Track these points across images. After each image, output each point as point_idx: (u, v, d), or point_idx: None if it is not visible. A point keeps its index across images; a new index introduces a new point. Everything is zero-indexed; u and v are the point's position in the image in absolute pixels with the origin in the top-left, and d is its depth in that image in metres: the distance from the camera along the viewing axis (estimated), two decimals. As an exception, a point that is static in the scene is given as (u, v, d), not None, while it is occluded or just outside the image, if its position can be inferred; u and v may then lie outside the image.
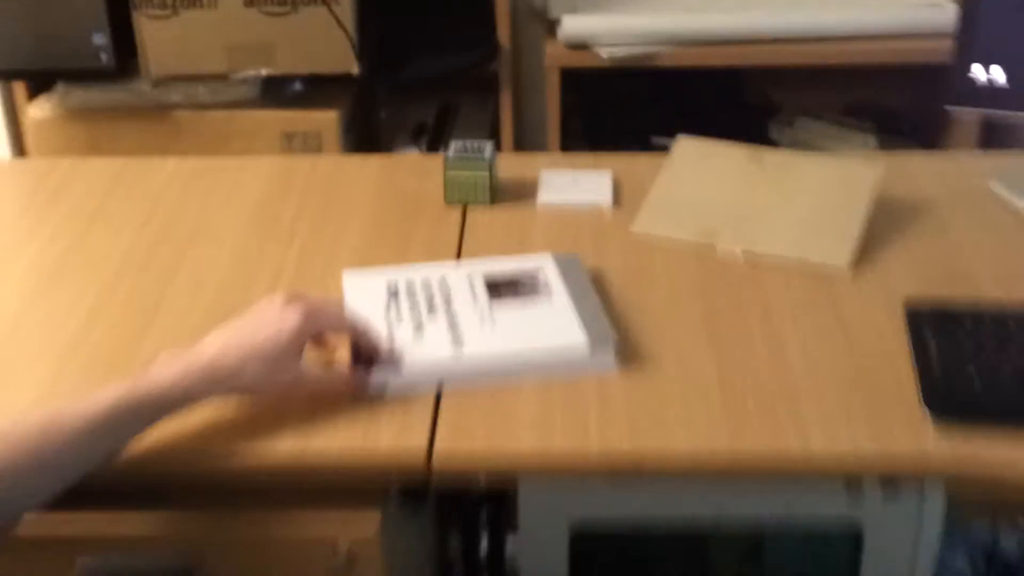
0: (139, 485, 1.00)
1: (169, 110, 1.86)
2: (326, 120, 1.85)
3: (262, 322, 1.00)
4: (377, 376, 1.05)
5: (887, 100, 2.10)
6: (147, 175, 1.45)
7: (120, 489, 0.99)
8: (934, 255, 1.25)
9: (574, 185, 1.38)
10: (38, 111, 1.88)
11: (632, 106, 2.10)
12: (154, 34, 1.81)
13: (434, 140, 2.03)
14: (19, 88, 1.89)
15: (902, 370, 1.07)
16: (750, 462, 0.98)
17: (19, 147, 1.90)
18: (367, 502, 1.01)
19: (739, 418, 1.01)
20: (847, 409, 1.02)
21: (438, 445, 0.99)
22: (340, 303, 1.09)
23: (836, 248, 1.24)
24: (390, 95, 2.04)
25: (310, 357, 1.04)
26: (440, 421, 1.02)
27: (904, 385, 1.05)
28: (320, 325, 1.04)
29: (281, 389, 1.00)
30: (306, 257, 1.27)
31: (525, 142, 2.15)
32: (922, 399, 1.02)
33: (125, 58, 1.83)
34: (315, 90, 1.88)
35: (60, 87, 1.85)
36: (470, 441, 1.00)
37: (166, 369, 0.95)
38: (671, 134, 2.10)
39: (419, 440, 0.99)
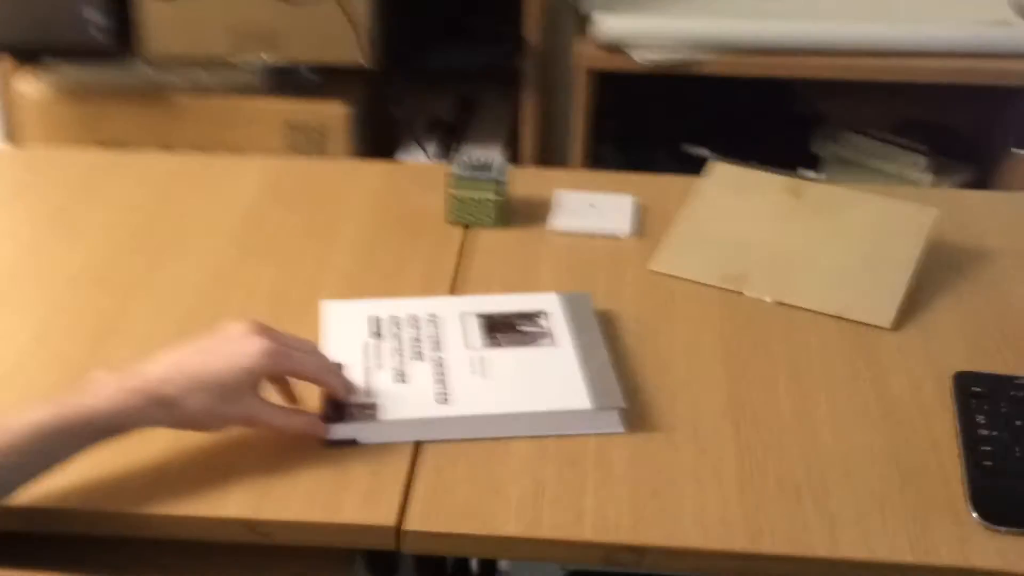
0: (52, 539, 0.88)
1: (168, 93, 1.73)
2: (334, 113, 1.72)
3: (217, 351, 0.88)
4: (345, 430, 0.92)
5: (942, 119, 1.94)
6: (122, 172, 1.32)
7: (29, 545, 0.87)
8: (989, 315, 1.11)
9: (591, 209, 1.24)
10: (30, 89, 1.75)
11: (666, 110, 1.95)
12: (154, 11, 1.68)
13: (450, 137, 1.90)
14: (5, 65, 1.77)
15: (948, 458, 0.93)
16: (767, 569, 0.85)
17: (8, 128, 1.78)
18: (328, 567, 0.89)
19: (758, 511, 0.88)
20: (883, 507, 0.88)
21: (409, 522, 0.86)
22: (312, 347, 0.95)
23: (879, 305, 1.10)
24: (406, 88, 1.91)
25: (271, 395, 0.92)
26: (414, 489, 0.89)
27: (950, 478, 0.91)
28: (283, 367, 0.92)
29: (231, 423, 0.89)
30: (286, 278, 1.14)
31: (548, 144, 2.01)
32: (969, 499, 0.89)
33: (124, 37, 1.71)
34: (325, 80, 1.74)
35: (51, 64, 1.73)
36: (446, 519, 0.87)
37: (100, 390, 0.84)
38: (706, 142, 1.98)
39: (387, 514, 0.87)
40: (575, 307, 1.06)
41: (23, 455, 0.81)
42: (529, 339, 1.02)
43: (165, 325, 1.07)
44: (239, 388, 0.87)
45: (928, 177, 1.81)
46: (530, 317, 1.05)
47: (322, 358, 0.95)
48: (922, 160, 1.82)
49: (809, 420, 0.97)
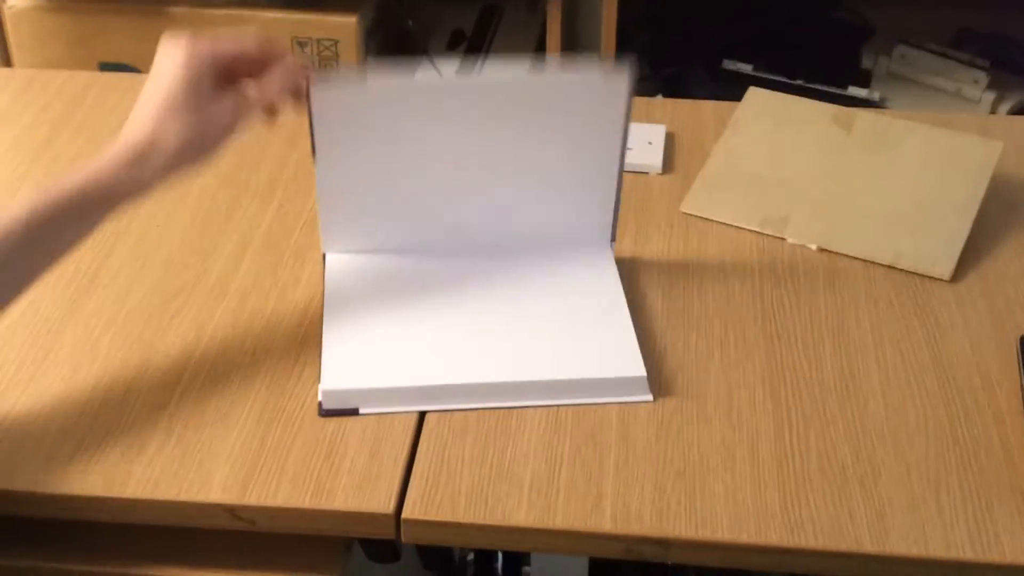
0: (15, 523, 0.80)
1: (166, 4, 1.62)
2: (345, 25, 1.60)
3: (153, 80, 0.79)
4: (344, 396, 0.84)
5: (1005, 29, 1.79)
6: (116, 96, 1.22)
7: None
8: (1059, 264, 1.00)
9: (618, 142, 1.13)
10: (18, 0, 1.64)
11: (702, 22, 1.82)
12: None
13: (472, 49, 1.77)
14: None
15: (1013, 435, 0.83)
16: (807, 564, 0.76)
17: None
18: (322, 554, 0.81)
19: (798, 497, 0.78)
20: (938, 492, 0.79)
21: (409, 509, 0.78)
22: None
23: (937, 254, 0.99)
24: (422, -2, 1.78)
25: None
26: (416, 469, 0.80)
27: (1015, 459, 0.81)
28: (218, 50, 0.80)
29: (215, 128, 0.80)
30: (285, 222, 1.04)
31: (575, 60, 1.87)
32: (1039, 484, 0.79)
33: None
34: (335, -11, 1.62)
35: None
36: (451, 505, 0.78)
37: (79, 170, 0.77)
38: (746, 57, 1.84)
39: (385, 499, 0.78)
40: (594, 255, 0.96)
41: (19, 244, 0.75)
42: (544, 292, 0.92)
43: (146, 279, 0.97)
44: (192, 87, 0.78)
45: (989, 95, 1.67)
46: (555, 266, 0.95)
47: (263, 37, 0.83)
48: (982, 76, 1.68)
49: (856, 388, 0.87)
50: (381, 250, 0.96)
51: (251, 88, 0.81)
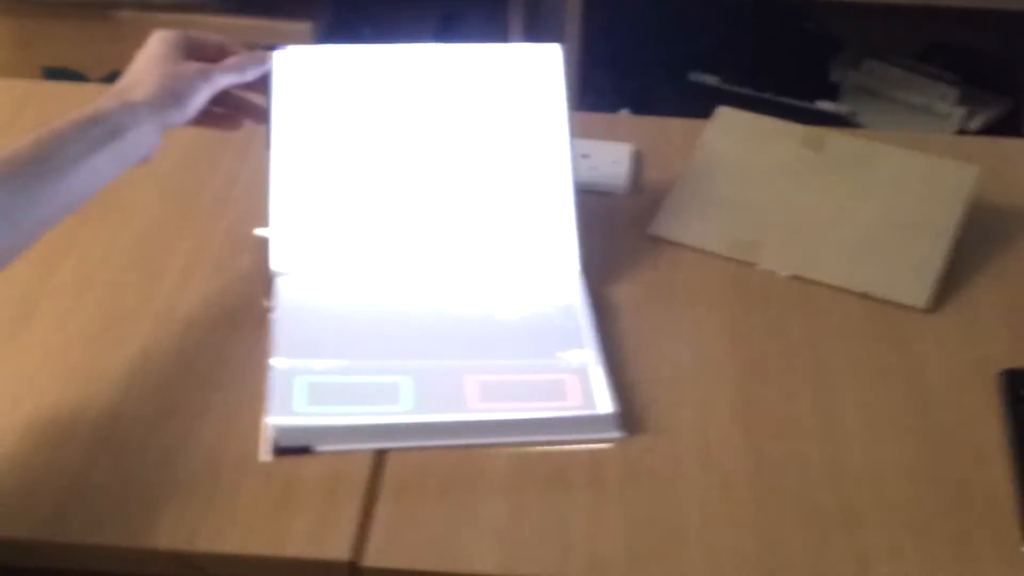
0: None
1: (112, 8, 1.56)
2: (298, 31, 1.55)
3: (142, 50, 0.90)
4: (297, 434, 0.79)
5: (974, 43, 1.77)
6: (58, 104, 1.16)
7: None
8: (1037, 292, 0.97)
9: (583, 161, 1.09)
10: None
11: (670, 32, 1.78)
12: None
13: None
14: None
15: (995, 475, 0.80)
16: (787, 617, 0.73)
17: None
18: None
19: (776, 543, 0.75)
20: (920, 538, 0.76)
21: (367, 557, 0.73)
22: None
23: (912, 282, 0.96)
24: (379, 5, 1.73)
25: None
26: (375, 513, 0.76)
27: (999, 500, 0.78)
28: (190, 37, 0.91)
29: (193, 79, 0.88)
30: (234, 242, 0.99)
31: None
32: (1022, 527, 0.76)
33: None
34: (289, -6, 1.57)
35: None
36: (410, 553, 0.74)
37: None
38: (714, 69, 1.81)
39: (341, 546, 0.74)
40: (560, 284, 0.92)
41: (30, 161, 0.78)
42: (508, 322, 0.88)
43: (90, 298, 0.92)
44: (167, 50, 0.88)
45: (960, 110, 1.65)
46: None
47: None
48: (952, 91, 1.66)
49: (833, 425, 0.84)
50: (334, 264, 0.92)
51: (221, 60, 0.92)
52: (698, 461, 0.80)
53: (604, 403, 0.82)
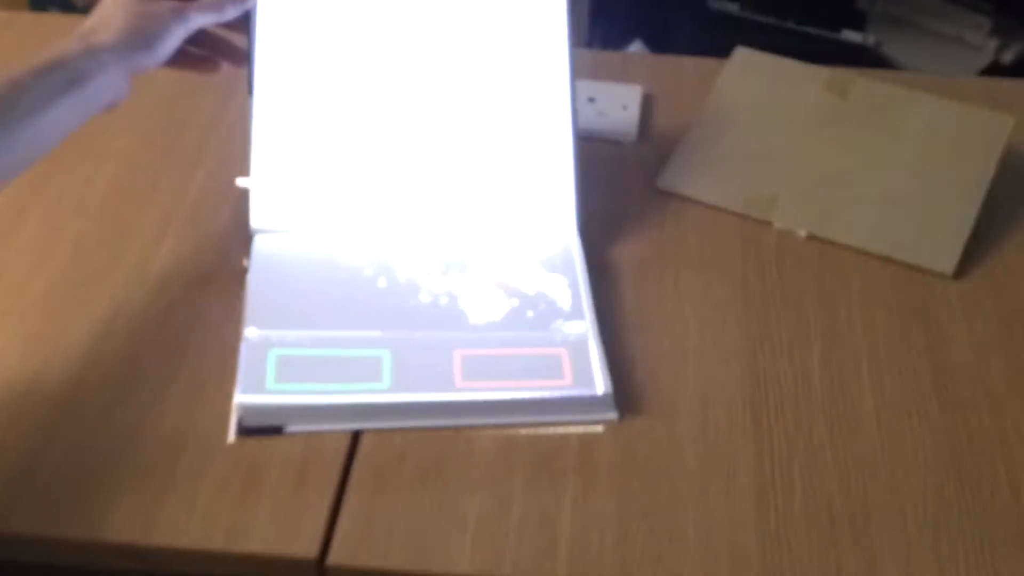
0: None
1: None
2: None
3: (101, 5, 0.81)
4: (265, 413, 0.73)
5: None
6: (21, 38, 1.09)
7: None
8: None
9: (588, 105, 1.02)
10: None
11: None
12: None
13: None
14: None
15: (1021, 466, 0.74)
16: (788, 626, 0.67)
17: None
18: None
19: (779, 541, 0.69)
20: (937, 538, 0.70)
21: (335, 554, 0.68)
22: None
23: (939, 244, 0.88)
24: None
25: None
26: (346, 503, 0.71)
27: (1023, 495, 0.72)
28: None
29: (163, 17, 0.80)
30: (212, 194, 0.93)
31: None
32: (1050, 529, 0.70)
33: None
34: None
35: None
36: (383, 549, 0.68)
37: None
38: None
39: (308, 541, 0.68)
40: (557, 243, 0.86)
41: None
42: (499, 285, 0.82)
43: (57, 254, 0.87)
44: None
45: (992, 41, 1.55)
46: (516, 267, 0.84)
47: None
48: (986, 21, 1.56)
49: (847, 406, 0.77)
50: (318, 220, 0.86)
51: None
52: (699, 446, 0.75)
53: (599, 382, 0.75)
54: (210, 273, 0.85)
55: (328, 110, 0.86)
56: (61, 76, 0.75)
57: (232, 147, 0.95)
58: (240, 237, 0.86)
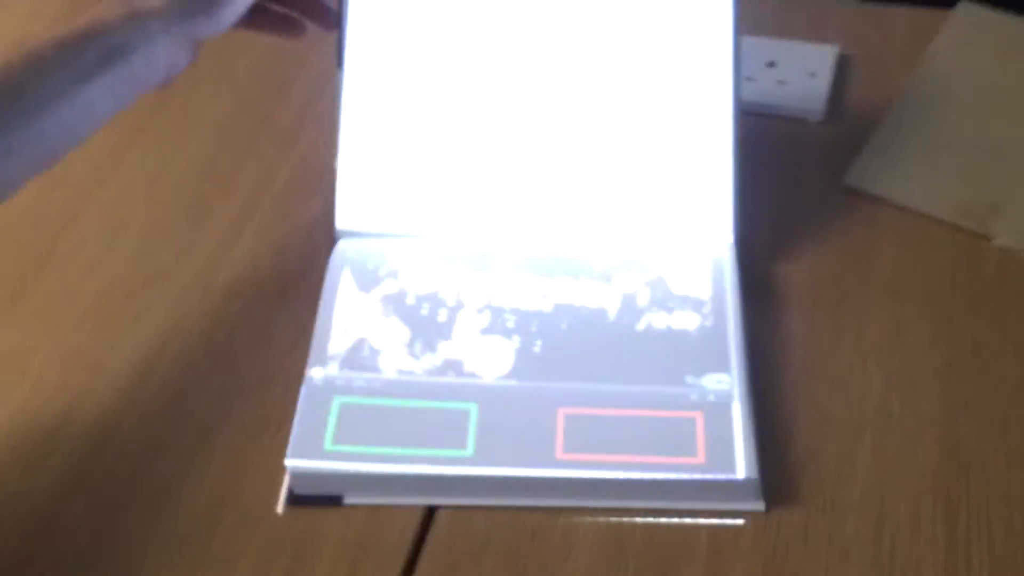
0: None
1: None
2: None
3: None
4: (322, 480, 0.60)
5: None
6: None
7: None
8: None
9: (768, 72, 0.82)
10: None
11: None
12: None
13: None
14: None
15: None
16: None
17: None
18: None
19: None
20: None
21: None
22: None
23: None
24: None
25: None
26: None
27: None
28: None
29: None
30: (306, 177, 0.79)
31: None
32: None
33: None
34: None
35: None
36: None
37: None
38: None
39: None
40: (714, 270, 0.68)
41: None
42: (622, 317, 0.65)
43: (115, 254, 0.75)
44: None
45: None
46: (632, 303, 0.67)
47: None
48: None
49: (1080, 513, 0.58)
50: (415, 223, 0.70)
51: None
52: (868, 555, 0.57)
53: (742, 462, 0.58)
54: (289, 284, 0.72)
55: (435, 89, 0.70)
56: (96, 51, 0.61)
57: (334, 123, 0.81)
58: (330, 235, 0.72)
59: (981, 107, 0.76)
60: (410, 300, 0.67)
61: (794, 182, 0.75)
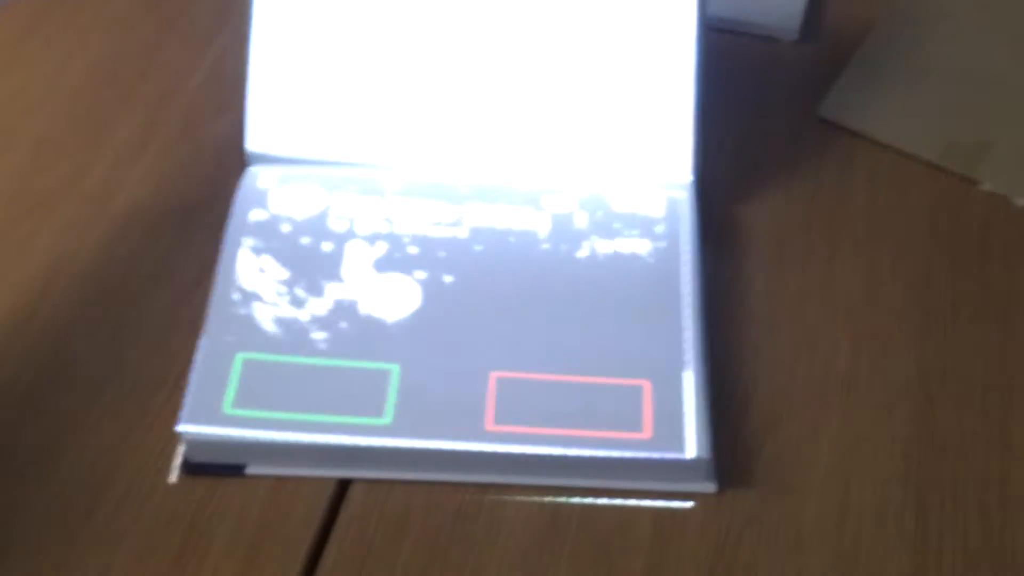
0: None
1: None
2: None
3: None
4: (217, 447, 0.53)
5: None
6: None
7: None
8: None
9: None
10: None
11: None
12: None
13: None
14: None
15: None
16: None
17: None
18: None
19: None
20: None
21: None
22: None
23: None
24: None
25: None
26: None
27: None
28: None
29: None
30: (218, 87, 0.70)
31: None
32: None
33: None
34: None
35: None
36: None
37: None
38: None
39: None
40: (668, 213, 0.61)
41: None
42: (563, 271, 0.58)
43: (5, 164, 0.66)
44: None
45: None
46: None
47: None
48: None
49: (1063, 502, 0.52)
50: (334, 148, 0.62)
51: None
52: (830, 545, 0.51)
53: (691, 439, 0.52)
54: (193, 213, 0.64)
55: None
56: None
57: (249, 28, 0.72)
58: (240, 159, 0.64)
59: (974, 31, 0.69)
60: (285, 228, 0.59)
61: (763, 111, 0.68)
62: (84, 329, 0.58)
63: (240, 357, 0.54)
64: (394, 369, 0.54)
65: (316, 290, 0.57)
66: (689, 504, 0.52)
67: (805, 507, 0.52)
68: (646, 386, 0.54)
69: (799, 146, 0.66)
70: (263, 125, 0.63)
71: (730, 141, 0.65)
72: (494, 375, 0.54)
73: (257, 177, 0.62)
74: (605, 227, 0.59)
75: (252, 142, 0.63)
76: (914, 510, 0.52)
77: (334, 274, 0.57)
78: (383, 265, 0.58)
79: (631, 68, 0.61)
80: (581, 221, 0.59)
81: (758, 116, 0.67)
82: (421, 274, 0.57)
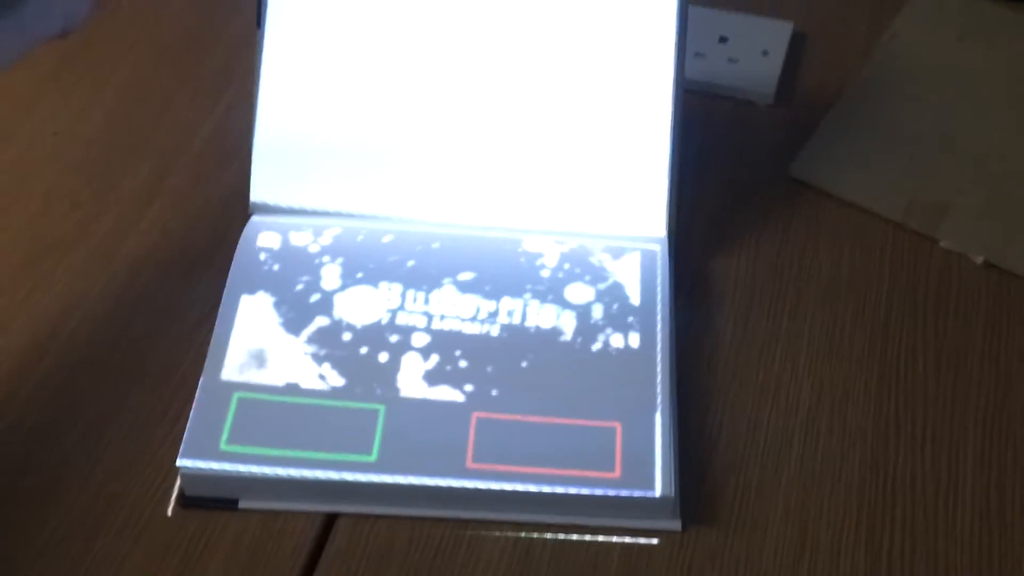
0: None
1: None
2: None
3: None
4: (216, 481, 0.56)
5: None
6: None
7: None
8: None
9: (718, 47, 0.78)
10: None
11: None
12: None
13: None
14: None
15: None
16: None
17: None
18: None
19: None
20: None
21: None
22: None
23: None
24: None
25: None
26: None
27: None
28: None
29: None
30: (224, 139, 0.74)
31: None
32: None
33: None
34: None
35: None
36: None
37: None
38: None
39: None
40: (644, 267, 0.64)
41: None
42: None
43: (16, 216, 0.70)
44: None
45: None
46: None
47: None
48: None
49: (1011, 541, 0.55)
50: (335, 201, 0.66)
51: None
52: (787, 584, 0.54)
53: (660, 479, 0.55)
54: (198, 261, 0.67)
55: (362, 59, 0.66)
56: None
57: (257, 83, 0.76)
58: (244, 211, 0.68)
59: (938, 96, 0.72)
60: (282, 276, 0.63)
61: (738, 170, 0.72)
62: (91, 369, 0.62)
63: (237, 396, 0.58)
64: (381, 409, 0.58)
65: (308, 330, 0.61)
66: (655, 541, 0.56)
67: (764, 546, 0.55)
68: (618, 428, 0.57)
69: (770, 203, 0.70)
70: (267, 177, 0.67)
71: (705, 197, 0.69)
72: (475, 415, 0.57)
73: (259, 227, 0.66)
74: (582, 276, 0.63)
75: (256, 193, 0.67)
76: (866, 551, 0.55)
77: (328, 314, 0.61)
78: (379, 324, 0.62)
79: (609, 125, 0.65)
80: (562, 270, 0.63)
81: (733, 174, 0.71)
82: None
